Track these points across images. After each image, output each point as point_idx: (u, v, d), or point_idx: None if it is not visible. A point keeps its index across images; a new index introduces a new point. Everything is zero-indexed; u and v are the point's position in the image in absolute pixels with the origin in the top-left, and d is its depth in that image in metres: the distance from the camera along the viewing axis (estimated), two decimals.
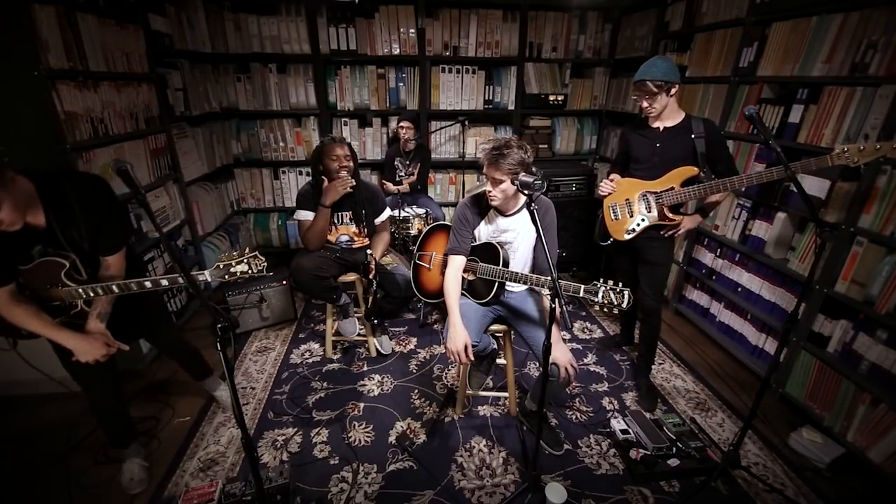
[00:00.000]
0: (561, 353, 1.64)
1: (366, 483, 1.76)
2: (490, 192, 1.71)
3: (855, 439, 1.85)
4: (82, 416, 2.07)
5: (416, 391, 2.29)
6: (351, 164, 2.21)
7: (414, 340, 2.72)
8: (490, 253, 1.83)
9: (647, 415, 2.09)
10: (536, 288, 1.80)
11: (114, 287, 1.43)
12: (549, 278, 1.43)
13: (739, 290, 2.49)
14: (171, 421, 2.10)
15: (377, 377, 2.39)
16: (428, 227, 2.24)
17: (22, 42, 1.76)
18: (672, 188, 1.93)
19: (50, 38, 1.87)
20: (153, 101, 2.60)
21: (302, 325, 2.90)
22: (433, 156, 3.70)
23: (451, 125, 3.64)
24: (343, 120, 3.66)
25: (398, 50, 3.45)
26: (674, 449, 1.83)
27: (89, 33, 2.09)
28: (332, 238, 2.36)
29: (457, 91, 3.65)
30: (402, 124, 3.32)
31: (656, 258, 2.08)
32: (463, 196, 2.13)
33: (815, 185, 2.00)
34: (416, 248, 2.23)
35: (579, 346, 2.68)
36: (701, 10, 2.75)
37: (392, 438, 1.98)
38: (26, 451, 1.94)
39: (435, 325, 2.88)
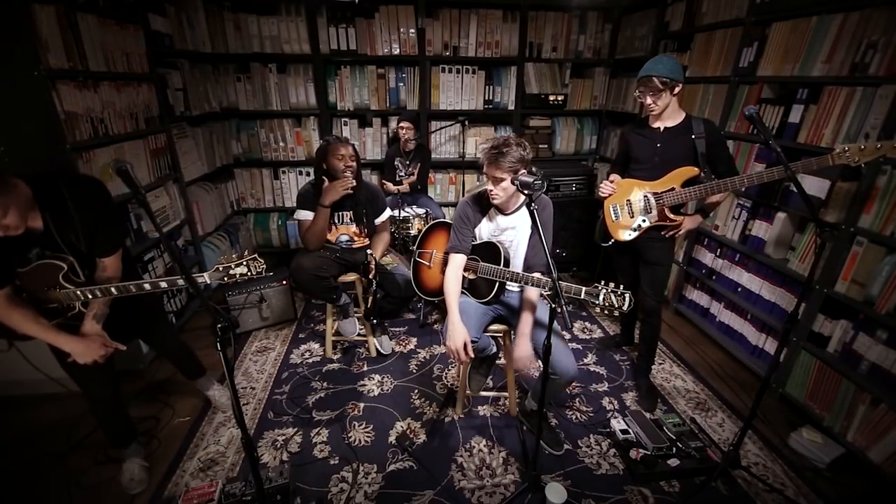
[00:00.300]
0: (519, 349, 1.73)
1: (366, 483, 1.76)
2: (491, 190, 1.72)
3: (855, 439, 1.85)
4: (82, 416, 2.07)
5: (416, 391, 2.29)
6: (355, 164, 2.21)
7: (414, 340, 2.72)
8: (491, 252, 1.83)
9: (647, 415, 2.09)
10: (535, 289, 1.81)
11: (112, 289, 1.43)
12: (550, 279, 1.43)
13: (739, 290, 2.49)
14: (171, 421, 2.10)
15: (377, 377, 2.39)
16: (428, 225, 2.24)
17: (22, 42, 1.76)
18: (673, 189, 1.93)
19: (50, 38, 1.87)
20: (153, 101, 2.60)
21: (302, 325, 2.90)
22: (433, 156, 3.70)
23: (451, 125, 3.64)
24: (343, 120, 3.66)
25: (398, 50, 3.45)
26: (674, 449, 1.84)
27: (89, 33, 2.09)
28: (332, 238, 2.36)
29: (457, 91, 3.65)
30: (402, 124, 3.32)
31: (657, 258, 2.08)
32: (463, 196, 2.13)
33: (815, 185, 2.00)
34: (415, 246, 2.23)
35: (579, 346, 2.68)
36: (701, 10, 2.75)
37: (392, 438, 1.98)
38: (26, 451, 1.94)
39: (435, 325, 2.88)
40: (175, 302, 2.77)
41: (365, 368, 2.47)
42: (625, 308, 1.45)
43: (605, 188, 2.11)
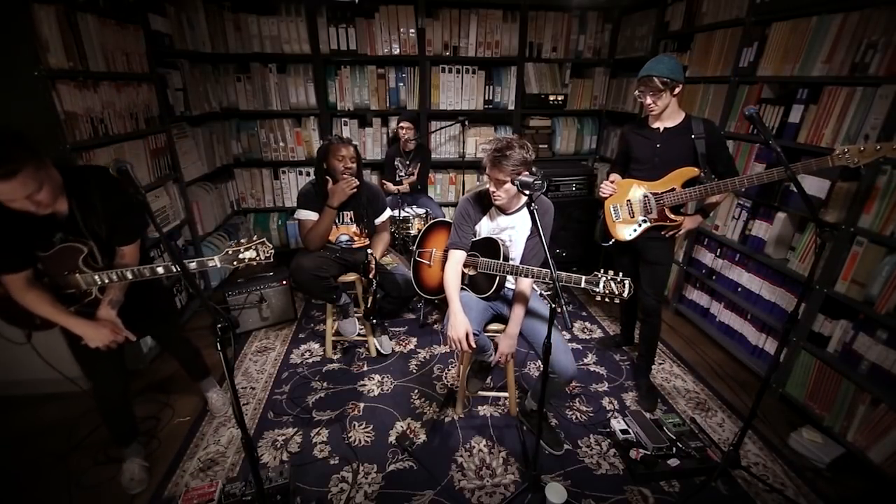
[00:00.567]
0: (501, 347, 1.80)
1: (366, 483, 1.76)
2: (494, 192, 1.72)
3: (855, 439, 1.85)
4: (82, 416, 2.08)
5: (416, 391, 2.29)
6: (355, 165, 2.21)
7: (414, 340, 2.72)
8: (490, 248, 1.84)
9: (647, 415, 2.09)
10: (534, 286, 1.81)
11: (127, 273, 1.47)
12: (548, 271, 1.44)
13: (739, 290, 2.49)
14: (171, 421, 2.10)
15: (377, 377, 2.39)
16: (427, 224, 2.24)
17: (22, 42, 1.76)
18: (673, 189, 1.93)
19: (50, 38, 1.87)
20: (153, 101, 2.60)
21: (302, 325, 2.90)
22: (433, 156, 3.70)
23: (451, 125, 3.64)
24: (343, 120, 3.66)
25: (398, 50, 3.45)
26: (674, 449, 1.83)
27: (89, 33, 2.09)
28: (332, 238, 2.36)
29: (457, 91, 3.65)
30: (402, 124, 3.32)
31: (657, 258, 2.08)
32: (463, 196, 2.14)
33: (815, 185, 2.00)
34: (415, 245, 2.23)
35: (579, 346, 2.68)
36: (701, 10, 2.75)
37: (392, 438, 1.98)
38: (26, 451, 1.94)
39: (435, 325, 2.88)
40: (175, 301, 2.77)
41: (365, 368, 2.47)
42: (625, 294, 1.47)
43: (605, 188, 2.11)
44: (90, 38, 2.09)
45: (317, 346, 2.67)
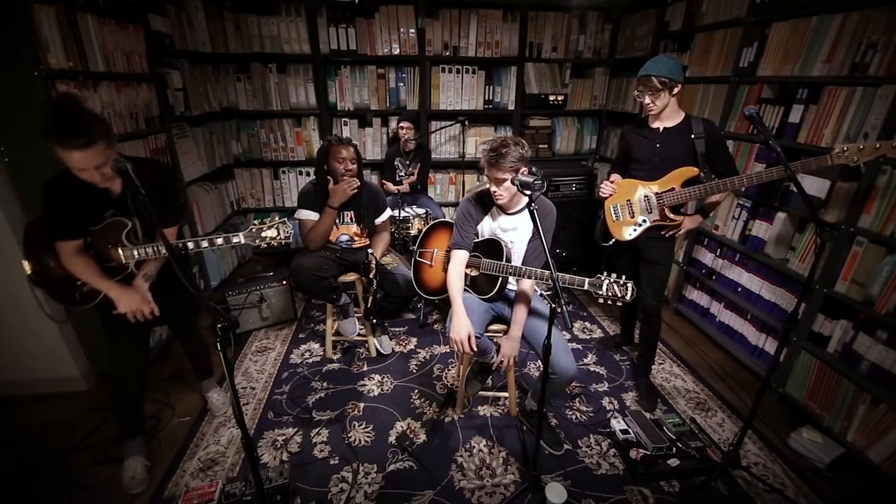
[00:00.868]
0: (506, 346, 1.80)
1: (366, 483, 1.76)
2: (495, 191, 1.73)
3: (855, 439, 1.85)
4: (82, 416, 2.08)
5: (416, 391, 2.29)
6: (355, 166, 2.21)
7: (414, 340, 2.72)
8: (493, 249, 1.84)
9: (647, 415, 2.09)
10: (535, 286, 1.82)
11: (162, 249, 1.62)
12: (549, 273, 1.45)
13: (739, 290, 2.49)
14: (171, 421, 2.10)
15: (377, 377, 2.39)
16: (429, 225, 2.24)
17: (22, 42, 1.76)
18: (673, 189, 1.93)
19: (50, 38, 1.87)
20: (153, 101, 2.59)
21: (302, 325, 2.90)
22: (433, 156, 3.70)
23: (451, 125, 3.64)
24: (343, 120, 3.66)
25: (398, 50, 3.45)
26: (674, 449, 1.83)
27: (89, 33, 2.08)
28: (332, 238, 2.36)
29: (457, 91, 3.65)
30: (402, 124, 3.32)
31: (657, 258, 2.09)
32: (463, 196, 2.14)
33: (815, 185, 2.00)
34: (416, 245, 2.23)
35: (579, 346, 2.68)
36: (701, 10, 2.75)
37: (392, 438, 1.98)
38: (26, 451, 1.94)
39: (435, 325, 2.88)
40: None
41: (365, 368, 2.47)
42: (627, 297, 1.47)
43: (605, 188, 2.11)
44: (90, 38, 2.09)
45: (317, 346, 2.67)
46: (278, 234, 1.63)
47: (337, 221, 2.35)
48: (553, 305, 1.41)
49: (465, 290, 1.93)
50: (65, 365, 2.23)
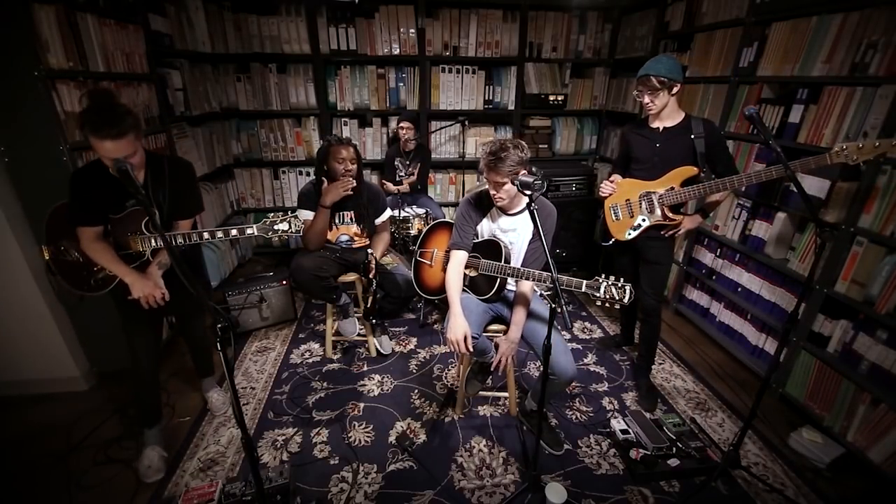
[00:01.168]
0: (503, 347, 1.80)
1: (366, 483, 1.76)
2: (495, 194, 1.73)
3: (855, 439, 1.85)
4: (82, 416, 2.08)
5: (416, 391, 2.29)
6: (355, 167, 2.21)
7: (414, 340, 2.72)
8: (492, 249, 1.84)
9: (647, 415, 2.09)
10: (535, 286, 1.81)
11: (178, 238, 1.69)
12: (549, 274, 1.45)
13: (739, 290, 2.49)
14: (172, 421, 2.10)
15: (377, 377, 2.39)
16: (429, 225, 2.24)
17: (22, 42, 1.76)
18: (672, 188, 1.94)
19: (50, 38, 1.87)
20: (153, 101, 2.59)
21: (302, 325, 2.90)
22: (433, 156, 3.70)
23: (451, 125, 3.64)
24: (343, 120, 3.66)
25: (398, 50, 3.45)
26: (674, 449, 1.83)
27: (89, 33, 2.08)
28: (332, 238, 2.36)
29: (457, 91, 3.65)
30: (402, 124, 3.32)
31: (657, 258, 2.09)
32: (463, 196, 2.14)
33: (815, 185, 2.00)
34: (417, 245, 2.23)
35: (579, 346, 2.68)
36: (701, 10, 2.75)
37: (392, 438, 1.98)
38: (26, 451, 1.94)
39: (435, 325, 2.88)
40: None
41: (365, 368, 2.47)
42: (625, 300, 1.46)
43: (605, 188, 2.11)
44: (90, 38, 2.09)
45: (317, 346, 2.67)
46: (290, 227, 1.71)
47: (337, 221, 2.35)
48: (553, 306, 1.41)
49: (465, 290, 1.93)
50: (65, 365, 2.23)
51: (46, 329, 2.13)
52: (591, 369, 2.48)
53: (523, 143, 1.67)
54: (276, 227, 1.71)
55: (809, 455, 1.87)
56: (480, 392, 2.17)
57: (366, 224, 2.38)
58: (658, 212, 1.98)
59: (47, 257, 1.72)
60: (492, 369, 1.89)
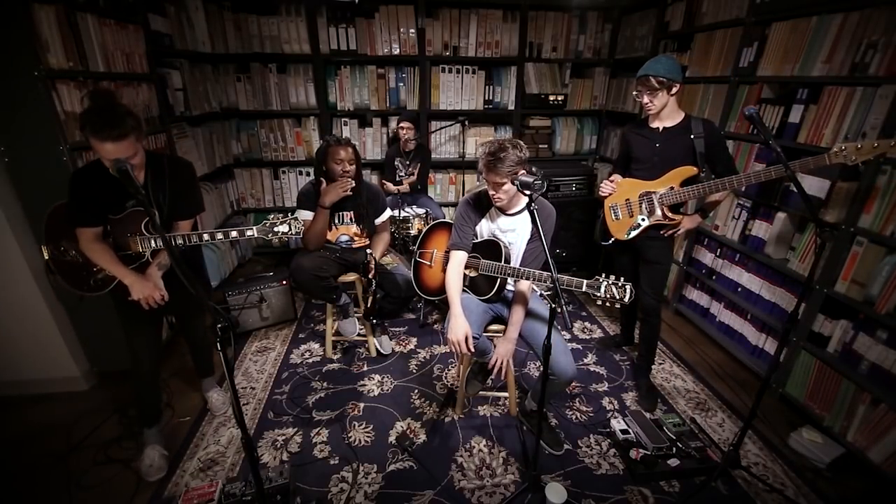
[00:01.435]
0: (501, 347, 1.79)
1: (366, 483, 1.76)
2: (494, 194, 1.72)
3: (855, 439, 1.85)
4: (82, 416, 2.08)
5: (416, 391, 2.29)
6: (353, 168, 2.21)
7: (414, 340, 2.72)
8: (492, 249, 1.84)
9: (647, 415, 2.09)
10: (534, 286, 1.81)
11: (178, 239, 1.67)
12: (549, 274, 1.44)
13: (739, 290, 2.49)
14: (171, 421, 2.10)
15: (377, 377, 2.39)
16: (429, 226, 2.24)
17: (22, 42, 1.76)
18: (672, 188, 1.94)
19: (50, 38, 1.87)
20: (153, 101, 2.60)
21: (302, 325, 2.90)
22: (433, 156, 3.70)
23: (451, 125, 3.64)
24: (343, 120, 3.66)
25: (398, 50, 3.45)
26: (674, 449, 1.83)
27: (89, 33, 2.08)
28: (332, 238, 2.36)
29: (457, 91, 3.65)
30: (402, 124, 3.32)
31: (656, 257, 2.09)
32: (463, 196, 2.15)
33: (815, 185, 2.00)
34: (416, 246, 2.23)
35: (579, 346, 2.68)
36: (701, 10, 2.75)
37: (392, 438, 1.98)
38: (26, 451, 1.94)
39: (435, 325, 2.88)
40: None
41: (365, 368, 2.47)
42: (626, 299, 1.46)
43: (605, 188, 2.12)
44: (90, 38, 2.09)
45: (317, 346, 2.67)
46: (290, 229, 1.71)
47: (336, 222, 2.35)
48: (553, 306, 1.41)
49: (465, 290, 1.92)
50: (65, 365, 2.23)
51: (46, 329, 2.14)
52: (591, 369, 2.48)
53: (522, 142, 1.67)
54: (276, 229, 1.70)
55: (809, 455, 1.87)
56: (480, 392, 2.17)
57: (365, 224, 2.38)
58: (658, 211, 1.98)
59: (47, 257, 1.71)
60: (489, 368, 1.89)
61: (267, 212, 3.84)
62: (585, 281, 1.52)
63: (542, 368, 1.48)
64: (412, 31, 3.41)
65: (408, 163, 3.42)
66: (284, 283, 2.83)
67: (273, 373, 2.43)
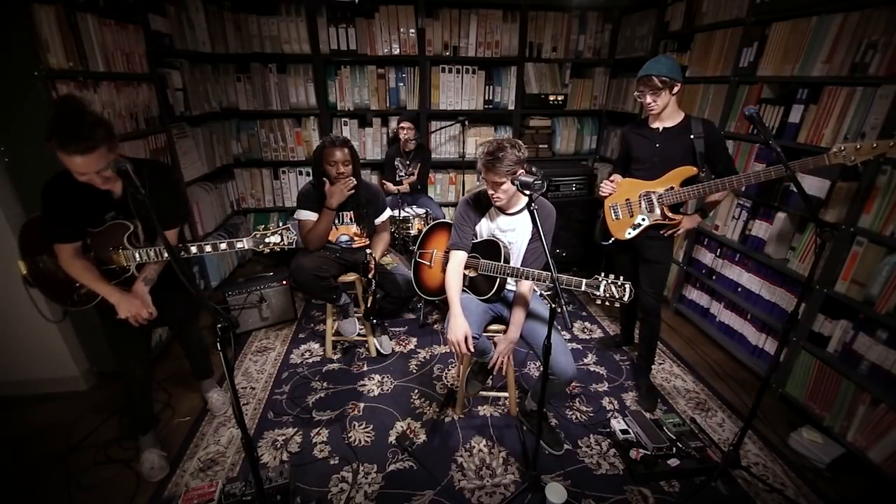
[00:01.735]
0: (501, 346, 1.80)
1: (366, 483, 1.76)
2: (493, 194, 1.72)
3: (855, 439, 1.85)
4: (82, 416, 2.08)
5: (416, 391, 2.29)
6: (349, 168, 2.20)
7: (414, 340, 2.72)
8: (491, 249, 1.84)
9: (647, 415, 2.09)
10: (534, 286, 1.81)
11: (164, 253, 1.60)
12: (549, 274, 1.45)
13: (739, 290, 2.49)
14: (172, 421, 2.10)
15: (377, 377, 2.39)
16: (429, 226, 2.24)
17: (22, 42, 1.76)
18: (672, 188, 1.94)
19: (50, 38, 1.87)
20: (153, 101, 2.59)
21: (302, 325, 2.90)
22: (433, 156, 3.70)
23: (451, 125, 3.64)
24: (343, 120, 3.66)
25: (398, 50, 3.45)
26: (674, 449, 1.84)
27: (89, 33, 2.09)
28: (331, 238, 2.36)
29: (457, 91, 3.65)
30: (402, 124, 3.32)
31: (656, 257, 2.09)
32: (463, 196, 2.15)
33: (815, 185, 2.00)
34: (416, 246, 2.23)
35: (579, 346, 2.68)
36: (701, 10, 2.75)
37: (392, 438, 1.98)
38: (26, 451, 1.94)
39: (435, 325, 2.88)
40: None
41: (365, 368, 2.47)
42: (626, 298, 1.46)
43: (605, 187, 2.12)
44: (90, 38, 2.09)
45: (317, 346, 2.67)
46: (282, 239, 1.64)
47: (336, 222, 2.35)
48: (553, 305, 1.41)
49: (464, 290, 1.93)
50: (65, 365, 2.23)
51: (46, 329, 2.13)
52: (591, 369, 2.48)
53: (521, 142, 1.67)
54: (266, 240, 1.63)
55: (809, 455, 1.87)
56: (480, 392, 2.17)
57: (365, 224, 2.38)
58: (658, 211, 1.98)
59: (24, 272, 1.62)
60: (488, 368, 1.89)
61: (267, 212, 3.84)
62: (585, 280, 1.53)
63: (542, 368, 1.48)
64: (412, 31, 3.41)
65: (408, 163, 3.42)
66: (284, 283, 2.83)
67: (273, 373, 2.43)
